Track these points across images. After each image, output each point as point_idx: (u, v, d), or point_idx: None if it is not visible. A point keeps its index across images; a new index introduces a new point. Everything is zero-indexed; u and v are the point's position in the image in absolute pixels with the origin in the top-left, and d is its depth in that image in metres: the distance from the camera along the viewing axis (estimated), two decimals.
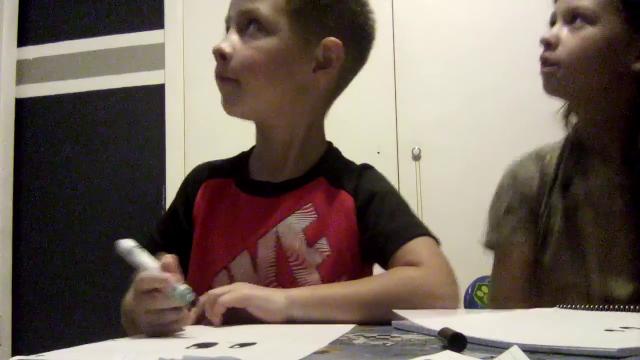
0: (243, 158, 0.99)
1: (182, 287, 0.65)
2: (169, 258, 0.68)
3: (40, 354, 0.53)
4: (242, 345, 0.57)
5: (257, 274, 0.87)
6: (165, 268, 0.67)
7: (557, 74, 0.98)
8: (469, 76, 2.31)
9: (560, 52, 0.97)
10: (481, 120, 2.26)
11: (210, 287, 0.81)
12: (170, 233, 0.96)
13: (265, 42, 0.86)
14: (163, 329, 0.65)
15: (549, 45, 0.99)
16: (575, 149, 1.05)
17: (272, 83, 0.88)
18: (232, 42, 0.88)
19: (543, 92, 1.03)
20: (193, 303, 0.66)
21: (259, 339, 0.61)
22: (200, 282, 0.87)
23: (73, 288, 2.58)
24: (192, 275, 0.91)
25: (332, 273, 0.87)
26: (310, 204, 0.89)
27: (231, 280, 0.87)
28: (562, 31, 0.98)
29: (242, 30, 0.88)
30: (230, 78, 0.88)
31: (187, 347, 0.57)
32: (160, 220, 1.01)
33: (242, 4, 0.88)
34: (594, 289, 0.98)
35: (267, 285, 0.85)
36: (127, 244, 0.70)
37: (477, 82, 2.30)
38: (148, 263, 0.68)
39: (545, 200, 1.04)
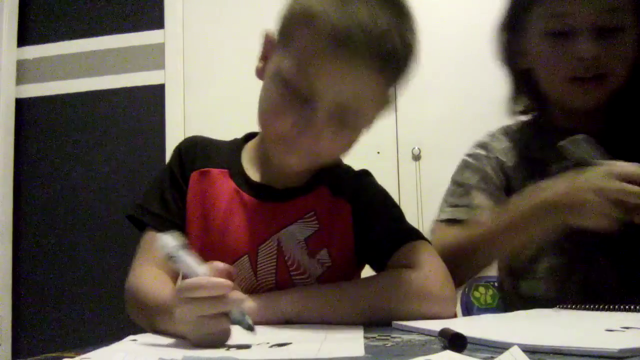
0: (235, 149, 0.95)
1: (239, 311, 0.59)
2: (220, 265, 0.61)
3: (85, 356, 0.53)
4: (280, 345, 0.57)
5: (257, 280, 0.86)
6: (218, 275, 0.60)
7: (605, 86, 0.95)
8: (469, 76, 2.31)
9: (605, 63, 0.93)
10: (481, 121, 2.25)
11: None
12: (179, 208, 0.89)
13: None
14: (213, 338, 0.59)
15: (592, 60, 0.93)
16: (549, 134, 1.03)
17: None
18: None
19: None
20: (250, 328, 0.59)
21: (294, 340, 0.61)
22: None
23: (73, 288, 2.58)
24: None
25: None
26: (312, 213, 0.87)
27: None
28: (596, 41, 0.93)
29: None
30: None
31: (227, 349, 0.57)
32: (163, 193, 0.91)
33: None
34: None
35: (267, 291, 0.85)
36: (170, 242, 0.62)
37: (477, 82, 2.29)
38: (197, 268, 0.61)
39: (521, 177, 1.03)
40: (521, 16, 1.03)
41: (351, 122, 0.79)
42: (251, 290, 0.85)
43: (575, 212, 0.81)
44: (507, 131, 1.13)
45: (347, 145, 0.84)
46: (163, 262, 0.84)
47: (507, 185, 1.04)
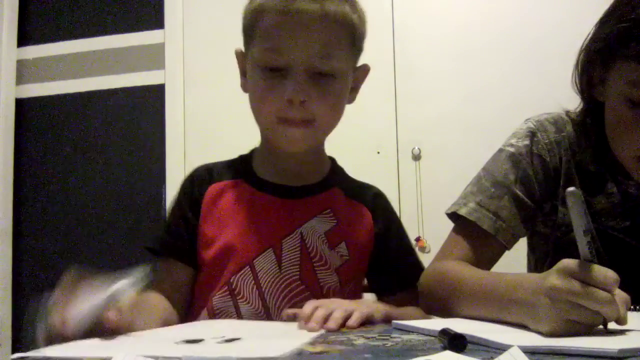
0: (245, 160, 1.01)
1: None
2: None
3: (38, 350, 0.55)
4: (229, 340, 0.60)
5: (281, 271, 0.91)
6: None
7: None
8: (469, 76, 2.31)
9: None
10: (481, 120, 2.25)
11: (231, 284, 0.88)
12: (183, 234, 0.95)
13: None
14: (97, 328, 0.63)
15: None
16: (605, 151, 0.93)
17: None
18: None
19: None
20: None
21: (243, 334, 0.64)
22: (220, 278, 0.91)
23: None
24: (210, 272, 0.92)
25: (348, 277, 0.94)
26: (329, 210, 0.95)
27: (255, 276, 0.90)
28: None
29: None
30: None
31: (177, 343, 0.59)
32: (169, 222, 0.98)
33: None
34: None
35: (291, 283, 0.90)
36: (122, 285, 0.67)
37: (477, 82, 2.29)
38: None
39: (568, 184, 0.91)
40: (609, 57, 0.86)
41: (330, 83, 0.87)
42: (275, 283, 0.90)
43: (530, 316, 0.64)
44: (556, 120, 0.99)
45: (336, 105, 0.91)
46: None
47: (546, 189, 0.94)
